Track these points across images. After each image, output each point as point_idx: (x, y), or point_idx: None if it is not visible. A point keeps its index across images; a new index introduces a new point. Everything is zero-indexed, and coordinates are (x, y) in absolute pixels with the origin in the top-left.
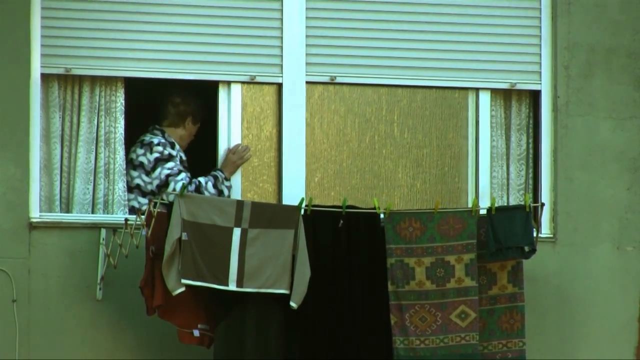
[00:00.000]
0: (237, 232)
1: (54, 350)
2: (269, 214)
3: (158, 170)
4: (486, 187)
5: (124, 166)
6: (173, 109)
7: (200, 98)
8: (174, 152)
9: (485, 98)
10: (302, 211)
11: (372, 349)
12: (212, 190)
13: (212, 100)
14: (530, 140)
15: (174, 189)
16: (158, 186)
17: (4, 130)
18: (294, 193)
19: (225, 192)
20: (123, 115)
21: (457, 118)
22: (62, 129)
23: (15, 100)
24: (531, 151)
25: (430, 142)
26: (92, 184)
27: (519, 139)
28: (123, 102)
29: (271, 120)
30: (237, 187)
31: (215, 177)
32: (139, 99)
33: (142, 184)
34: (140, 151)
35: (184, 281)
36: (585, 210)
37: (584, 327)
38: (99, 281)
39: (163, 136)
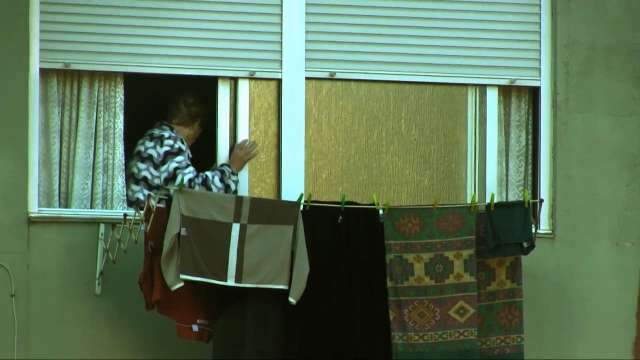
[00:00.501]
0: (236, 228)
1: (52, 345)
2: (268, 210)
3: (167, 163)
4: (493, 183)
5: (123, 161)
6: (185, 109)
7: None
8: (183, 147)
9: (493, 95)
10: (301, 207)
11: (371, 344)
12: (219, 185)
13: (212, 98)
14: (530, 137)
15: (179, 184)
16: (165, 179)
17: (3, 125)
18: (293, 188)
19: (233, 186)
20: (122, 111)
21: (464, 115)
22: (61, 124)
23: (14, 95)
24: (530, 147)
25: (438, 139)
26: (90, 179)
27: (518, 136)
28: (122, 97)
29: (277, 116)
30: (244, 182)
31: (222, 172)
32: (139, 95)
33: (149, 176)
34: (149, 144)
35: (182, 276)
36: (584, 207)
37: (582, 323)
38: (97, 276)
39: (172, 131)
